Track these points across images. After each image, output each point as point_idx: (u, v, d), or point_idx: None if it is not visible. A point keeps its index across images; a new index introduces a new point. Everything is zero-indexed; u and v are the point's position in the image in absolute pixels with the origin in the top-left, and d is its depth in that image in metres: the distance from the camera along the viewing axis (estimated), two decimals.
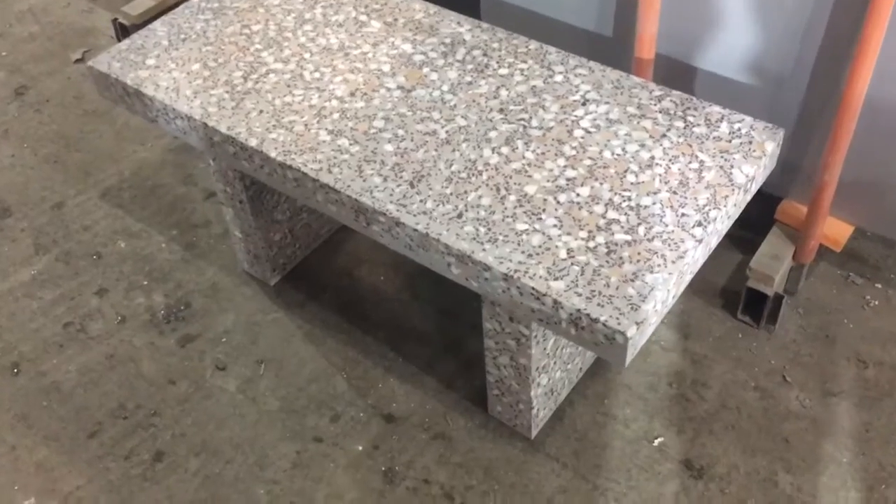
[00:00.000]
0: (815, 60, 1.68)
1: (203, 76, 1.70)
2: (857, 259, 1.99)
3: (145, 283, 2.06)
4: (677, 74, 1.88)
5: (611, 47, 1.95)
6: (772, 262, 1.83)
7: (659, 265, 1.32)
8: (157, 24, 1.84)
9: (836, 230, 1.86)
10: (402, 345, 1.90)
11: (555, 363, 1.64)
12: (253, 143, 1.56)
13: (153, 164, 2.36)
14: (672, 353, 1.85)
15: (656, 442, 1.70)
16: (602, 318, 1.25)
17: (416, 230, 1.40)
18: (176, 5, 2.70)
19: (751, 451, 1.68)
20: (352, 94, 1.64)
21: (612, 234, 1.37)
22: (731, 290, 1.95)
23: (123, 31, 2.66)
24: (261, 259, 1.99)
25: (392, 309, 1.98)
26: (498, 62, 1.68)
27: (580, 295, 1.28)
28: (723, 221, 1.41)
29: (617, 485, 1.65)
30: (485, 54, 1.70)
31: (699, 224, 1.37)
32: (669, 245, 1.34)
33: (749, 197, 1.49)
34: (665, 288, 1.29)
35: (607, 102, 1.58)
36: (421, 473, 1.68)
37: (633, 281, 1.30)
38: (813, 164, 1.81)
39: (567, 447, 1.70)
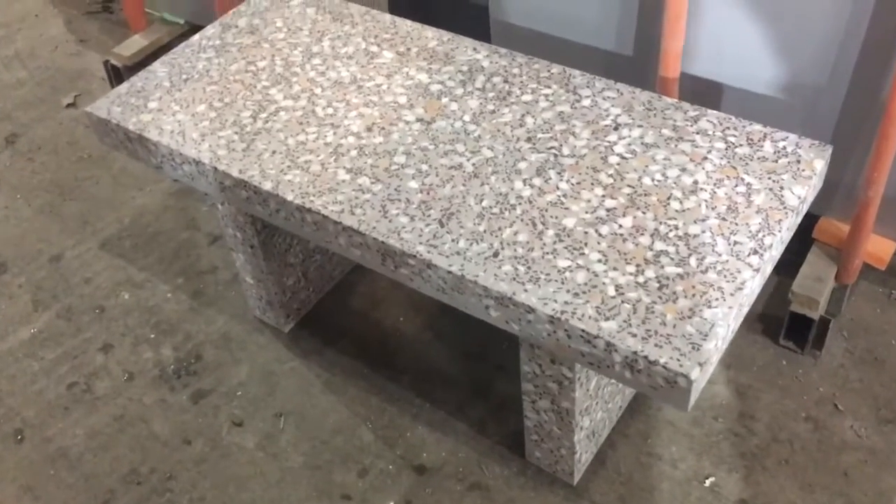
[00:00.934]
0: (853, 69, 1.60)
1: (209, 117, 1.60)
2: None
3: (152, 336, 1.95)
4: (704, 93, 1.79)
5: (632, 67, 1.86)
6: (815, 284, 1.74)
7: (717, 299, 1.22)
8: (156, 64, 1.74)
9: (879, 247, 1.77)
10: (429, 389, 1.80)
11: (596, 404, 1.54)
12: (268, 186, 1.46)
13: (153, 209, 2.26)
14: (715, 384, 1.75)
15: (707, 482, 1.60)
16: (662, 361, 1.16)
17: (450, 272, 1.31)
18: (170, 45, 2.61)
19: (808, 487, 1.58)
20: (368, 130, 1.54)
21: (662, 266, 1.27)
22: (770, 315, 1.86)
23: (115, 73, 2.57)
24: (274, 305, 1.89)
25: (414, 351, 1.87)
26: (520, 88, 1.59)
27: (635, 336, 1.19)
28: (777, 248, 1.32)
29: None
30: (505, 81, 1.61)
31: (755, 252, 1.28)
32: (725, 276, 1.25)
33: (800, 219, 1.40)
34: (725, 323, 1.20)
35: (640, 126, 1.50)
36: None
37: (690, 318, 1.20)
38: (853, 180, 1.73)
39: (612, 492, 1.60)
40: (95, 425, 1.79)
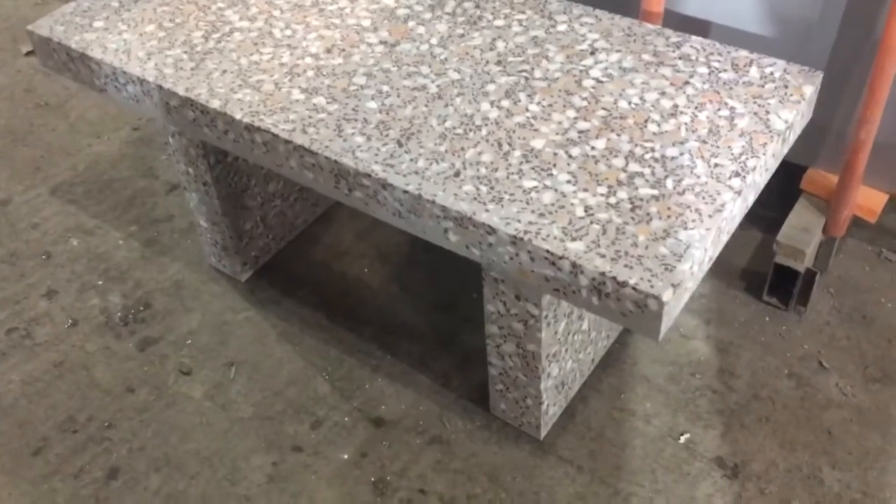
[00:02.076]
0: (846, 4, 1.50)
1: (158, 37, 1.49)
2: (890, 233, 1.81)
3: (100, 283, 1.84)
4: (689, 30, 1.69)
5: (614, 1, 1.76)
6: (802, 234, 1.64)
7: (694, 220, 1.12)
8: None
9: (870, 199, 1.67)
10: (391, 341, 1.69)
11: (566, 351, 1.44)
12: (215, 104, 1.35)
13: (110, 157, 2.15)
14: (693, 340, 1.65)
15: (682, 439, 1.50)
16: (631, 281, 1.05)
17: (406, 192, 1.20)
18: None
19: (790, 445, 1.48)
20: (328, 51, 1.44)
21: (636, 188, 1.17)
22: (753, 272, 1.76)
23: None
24: (230, 252, 1.77)
25: (378, 304, 1.77)
26: (492, 13, 1.49)
27: (603, 256, 1.08)
28: (761, 173, 1.22)
29: (641, 488, 1.44)
30: (477, 6, 1.51)
31: (736, 174, 1.18)
32: (704, 198, 1.15)
33: (787, 148, 1.30)
34: (702, 246, 1.10)
35: (619, 51, 1.39)
36: (416, 483, 1.47)
37: (664, 239, 1.10)
38: (843, 127, 1.63)
39: (582, 448, 1.50)
40: (33, 371, 1.67)
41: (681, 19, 1.68)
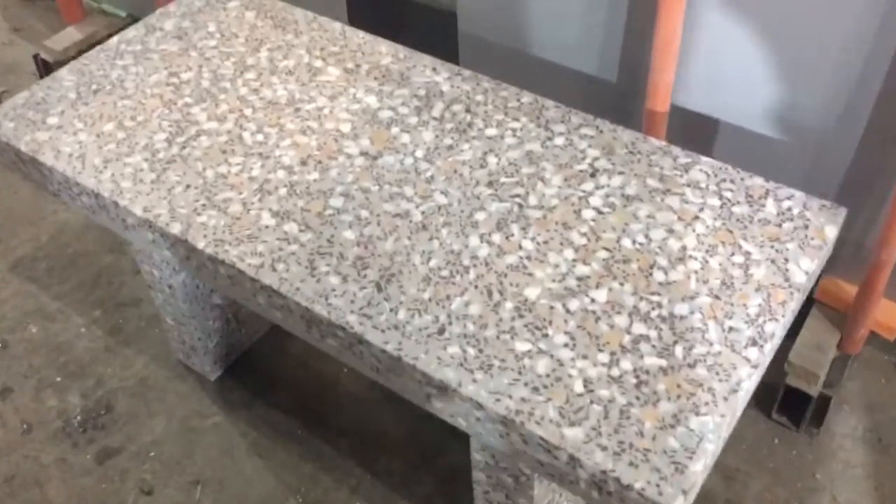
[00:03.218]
0: (870, 112, 1.38)
1: (117, 139, 1.36)
2: None
3: (59, 379, 1.71)
4: (696, 128, 1.57)
5: (615, 94, 1.63)
6: (815, 354, 1.52)
7: (706, 403, 0.99)
8: (63, 71, 1.50)
9: (890, 315, 1.55)
10: (371, 457, 1.56)
11: (561, 495, 1.32)
12: (176, 229, 1.22)
13: (76, 227, 2.01)
14: None
15: None
16: (637, 485, 0.93)
17: (384, 351, 1.07)
18: (107, 38, 2.36)
19: None
20: (303, 163, 1.31)
21: (642, 356, 1.04)
22: (762, 383, 1.63)
23: (47, 69, 2.31)
24: (198, 351, 1.65)
25: (357, 409, 1.64)
26: (484, 120, 1.36)
27: (605, 449, 0.96)
28: (779, 336, 1.09)
29: None
30: (467, 110, 1.38)
31: (753, 342, 1.05)
32: (717, 373, 1.02)
33: (805, 295, 1.17)
34: (716, 436, 0.97)
35: (622, 172, 1.27)
36: None
37: (673, 427, 0.97)
38: (863, 237, 1.51)
39: None
40: None
41: (687, 115, 1.55)
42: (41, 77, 2.35)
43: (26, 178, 1.42)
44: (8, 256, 1.95)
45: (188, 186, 1.28)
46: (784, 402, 1.56)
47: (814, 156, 1.48)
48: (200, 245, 1.20)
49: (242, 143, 1.34)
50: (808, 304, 1.60)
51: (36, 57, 2.31)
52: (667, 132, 1.53)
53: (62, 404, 1.67)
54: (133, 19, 2.38)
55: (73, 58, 2.26)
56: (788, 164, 1.50)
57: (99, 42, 2.32)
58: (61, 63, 2.26)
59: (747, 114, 1.50)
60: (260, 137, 1.35)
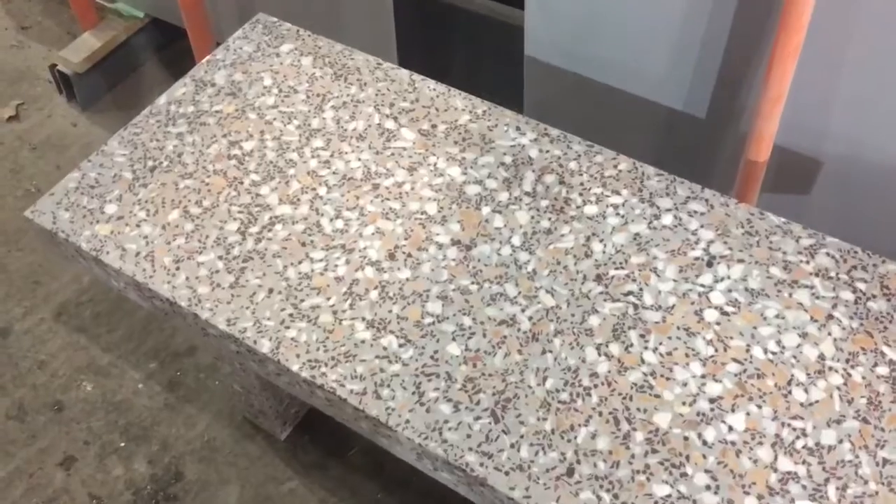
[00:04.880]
0: None
1: (185, 232, 1.25)
2: None
3: (122, 444, 1.64)
4: (795, 168, 1.46)
5: (703, 130, 1.52)
6: None
7: None
8: (113, 143, 1.37)
9: None
10: None
11: None
12: (265, 347, 1.13)
13: None
14: None
15: None
16: None
17: (511, 498, 1.00)
18: (127, 43, 2.21)
19: None
20: (391, 256, 1.21)
21: (792, 500, 0.97)
22: None
23: (65, 82, 2.17)
24: (268, 415, 1.57)
25: None
26: (581, 194, 1.25)
27: None
28: None
29: None
30: (561, 181, 1.27)
31: None
32: None
33: None
34: None
35: (741, 260, 1.17)
36: None
37: None
38: None
39: None
40: None
41: (789, 157, 1.45)
42: (59, 91, 2.21)
43: (91, 273, 1.31)
44: (51, 302, 1.85)
45: (271, 291, 1.18)
46: None
47: None
48: (295, 367, 1.11)
49: (321, 231, 1.24)
50: None
51: (53, 69, 2.16)
52: (764, 177, 1.42)
53: (129, 473, 1.60)
54: (151, 20, 2.22)
55: (95, 68, 2.12)
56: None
57: (120, 47, 2.18)
58: (80, 75, 2.13)
59: (857, 156, 1.39)
60: (340, 224, 1.24)
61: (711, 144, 1.52)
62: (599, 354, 1.10)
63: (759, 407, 1.04)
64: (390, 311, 1.15)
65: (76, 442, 1.65)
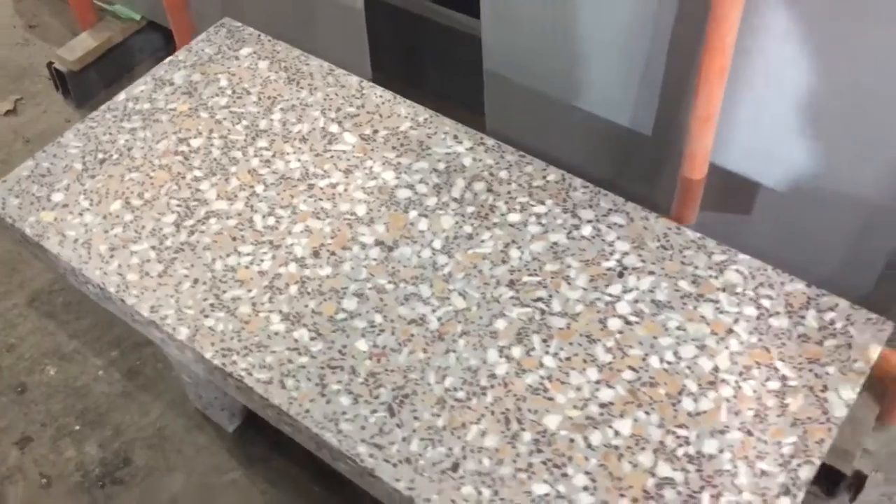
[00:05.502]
0: None
1: (124, 222, 1.30)
2: None
3: (77, 428, 1.69)
4: (733, 191, 1.48)
5: (649, 147, 1.54)
6: (852, 431, 1.45)
7: None
8: (69, 135, 1.44)
9: None
10: None
11: None
12: (183, 334, 1.17)
13: None
14: None
15: None
16: None
17: (396, 490, 1.03)
18: (124, 44, 2.29)
19: None
20: (315, 254, 1.25)
21: None
22: None
23: (61, 80, 2.25)
24: (215, 406, 1.62)
25: None
26: (507, 202, 1.29)
27: None
28: (811, 478, 1.03)
29: None
30: (489, 189, 1.30)
31: (786, 491, 0.99)
32: None
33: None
34: None
35: (652, 272, 1.19)
36: None
37: None
38: None
39: None
40: None
41: (725, 176, 1.46)
42: (56, 87, 2.29)
43: (35, 257, 1.37)
44: (25, 288, 1.92)
45: (196, 281, 1.23)
46: (817, 477, 1.50)
47: (862, 232, 1.39)
48: (208, 354, 1.15)
49: (253, 227, 1.28)
50: None
51: (50, 66, 2.24)
52: (702, 195, 1.44)
53: (80, 456, 1.65)
54: (148, 23, 2.30)
55: (90, 66, 2.20)
56: (833, 238, 1.41)
57: (116, 48, 2.25)
58: (75, 73, 2.21)
59: (792, 180, 1.41)
60: (271, 221, 1.29)
61: (658, 162, 1.55)
62: (501, 356, 1.13)
63: (648, 414, 1.06)
64: (306, 306, 1.19)
65: (34, 423, 1.70)
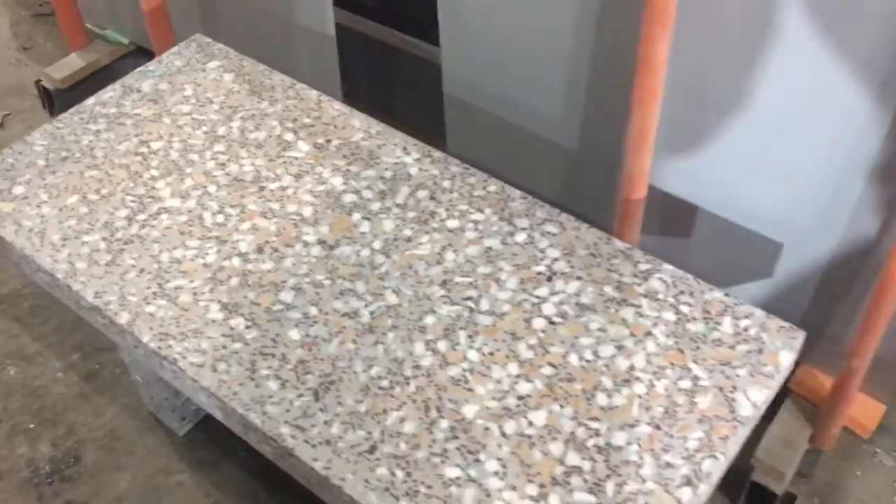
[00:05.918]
0: (849, 217, 1.33)
1: (78, 215, 1.36)
2: (887, 433, 1.65)
3: (31, 426, 1.72)
4: (673, 213, 1.53)
5: (597, 167, 1.60)
6: (783, 450, 1.48)
7: None
8: (36, 134, 1.50)
9: (866, 411, 1.51)
10: None
11: None
12: (123, 319, 1.22)
13: None
14: None
15: None
16: None
17: (313, 469, 1.06)
18: (111, 67, 2.37)
19: None
20: (259, 250, 1.29)
21: (571, 491, 1.02)
22: (731, 470, 1.60)
23: (48, 98, 2.32)
24: (165, 409, 1.65)
25: None
26: (447, 209, 1.34)
27: None
28: (718, 474, 1.06)
29: None
30: (432, 196, 1.36)
31: (688, 482, 1.03)
32: None
33: (750, 430, 1.14)
34: None
35: (579, 278, 1.24)
36: None
37: None
38: (840, 333, 1.47)
39: None
40: None
41: (666, 199, 1.52)
42: (43, 105, 2.37)
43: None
44: None
45: (142, 271, 1.27)
46: (750, 496, 1.52)
47: (794, 250, 1.43)
48: (145, 338, 1.19)
49: (202, 224, 1.33)
50: (784, 393, 1.56)
51: (38, 84, 2.32)
52: (644, 216, 1.49)
53: (32, 452, 1.68)
54: (136, 48, 2.38)
55: (75, 86, 2.28)
56: (767, 257, 1.46)
57: (101, 70, 2.33)
58: (61, 91, 2.28)
59: (728, 204, 1.46)
60: (220, 219, 1.34)
61: (606, 184, 1.60)
62: (427, 349, 1.17)
63: (562, 407, 1.10)
64: (245, 297, 1.24)
65: None
